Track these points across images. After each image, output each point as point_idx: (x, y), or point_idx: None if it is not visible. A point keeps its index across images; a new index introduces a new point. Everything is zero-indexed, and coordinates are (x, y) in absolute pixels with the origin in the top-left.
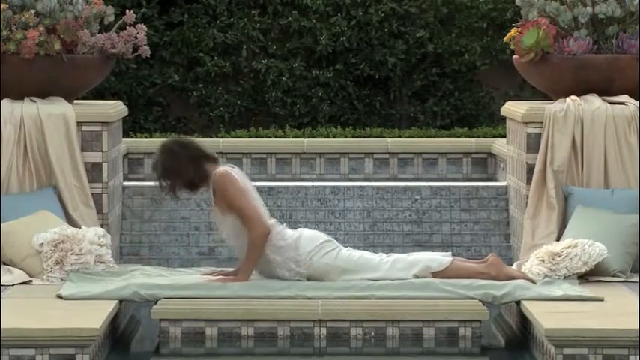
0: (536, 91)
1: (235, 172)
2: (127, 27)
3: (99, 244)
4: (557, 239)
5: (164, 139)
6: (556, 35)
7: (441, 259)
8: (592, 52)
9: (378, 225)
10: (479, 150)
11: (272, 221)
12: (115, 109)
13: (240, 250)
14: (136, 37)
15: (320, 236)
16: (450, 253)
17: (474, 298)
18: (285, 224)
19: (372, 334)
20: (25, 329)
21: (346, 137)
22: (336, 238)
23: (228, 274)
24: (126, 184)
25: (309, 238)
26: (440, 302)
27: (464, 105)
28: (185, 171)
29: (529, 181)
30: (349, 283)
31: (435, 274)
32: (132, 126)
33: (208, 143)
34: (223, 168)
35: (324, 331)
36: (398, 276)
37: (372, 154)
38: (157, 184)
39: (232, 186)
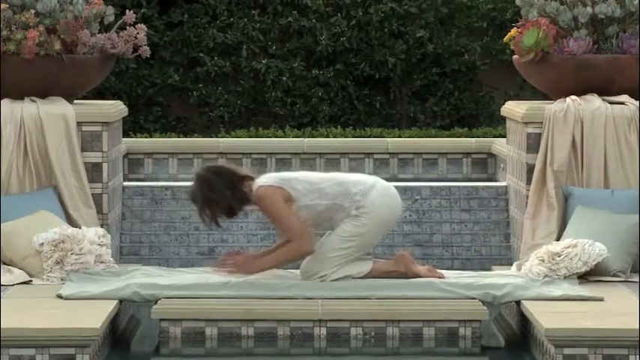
0: (536, 91)
1: (273, 182)
2: (127, 27)
3: (99, 244)
4: (557, 239)
5: (198, 170)
6: (556, 35)
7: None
8: (592, 52)
9: None
10: (479, 150)
11: None
12: (115, 109)
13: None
14: (136, 37)
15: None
16: (371, 255)
17: (474, 298)
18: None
19: (372, 334)
20: (25, 329)
21: (346, 137)
22: None
23: (248, 255)
24: (126, 184)
25: None
26: (440, 302)
27: (464, 105)
28: (224, 198)
29: (529, 181)
30: (349, 283)
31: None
32: (132, 126)
33: (208, 143)
34: (261, 185)
35: (324, 331)
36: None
37: (372, 154)
38: (199, 216)
39: (269, 203)
